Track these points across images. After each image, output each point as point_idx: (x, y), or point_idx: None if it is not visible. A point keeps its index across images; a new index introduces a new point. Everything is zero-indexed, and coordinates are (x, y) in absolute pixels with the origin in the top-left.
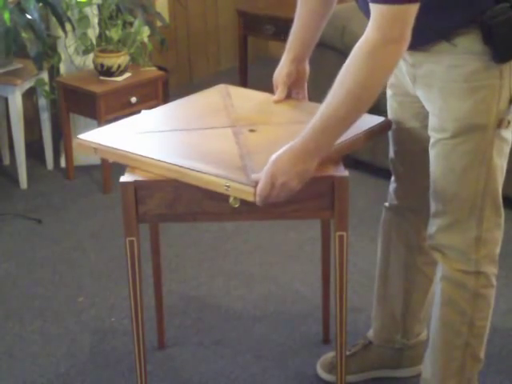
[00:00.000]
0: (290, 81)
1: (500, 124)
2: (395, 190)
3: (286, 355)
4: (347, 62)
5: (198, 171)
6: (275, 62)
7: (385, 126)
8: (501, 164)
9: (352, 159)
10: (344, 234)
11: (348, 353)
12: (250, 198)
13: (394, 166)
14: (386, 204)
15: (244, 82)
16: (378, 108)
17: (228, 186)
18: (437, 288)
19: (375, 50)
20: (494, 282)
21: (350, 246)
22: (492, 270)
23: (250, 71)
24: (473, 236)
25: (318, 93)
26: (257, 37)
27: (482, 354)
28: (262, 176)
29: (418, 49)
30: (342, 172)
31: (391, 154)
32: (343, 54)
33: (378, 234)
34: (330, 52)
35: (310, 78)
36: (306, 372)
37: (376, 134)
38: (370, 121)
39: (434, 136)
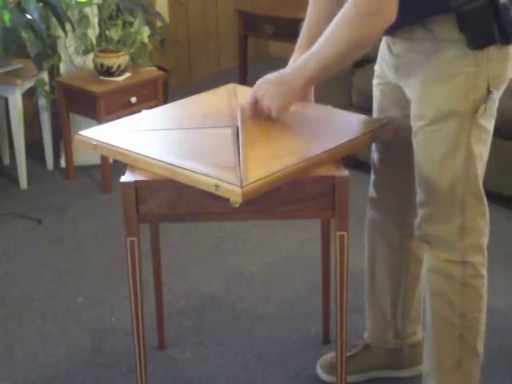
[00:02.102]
0: None
1: (476, 111)
2: (373, 182)
3: (286, 355)
4: (333, 23)
5: (188, 170)
6: (275, 61)
7: (387, 128)
8: (479, 152)
9: (352, 159)
10: (344, 233)
11: (348, 354)
12: (239, 199)
13: (372, 156)
14: (368, 201)
15: (244, 82)
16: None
17: (217, 186)
18: (425, 280)
19: (353, 21)
20: (484, 272)
21: (351, 245)
22: (479, 259)
23: (250, 71)
24: (457, 225)
25: (318, 92)
26: (257, 37)
27: (480, 348)
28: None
29: (401, 37)
30: (342, 172)
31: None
32: None
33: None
34: None
35: None
36: (306, 372)
37: (378, 136)
38: (372, 122)
39: (414, 125)
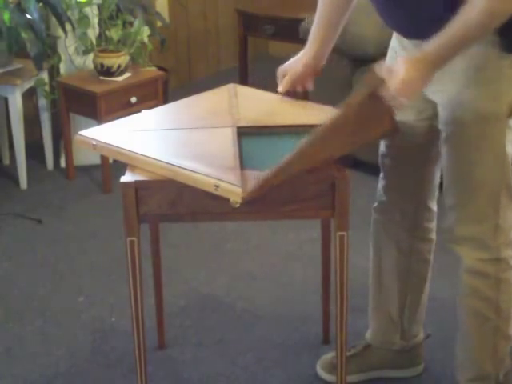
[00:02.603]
0: (298, 75)
1: (510, 113)
2: (384, 186)
3: (286, 355)
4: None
5: (188, 170)
6: (275, 61)
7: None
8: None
9: (352, 159)
10: (344, 233)
11: (348, 353)
12: (239, 199)
13: (383, 161)
14: (375, 204)
15: (244, 82)
16: None
17: (217, 186)
18: (460, 281)
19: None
20: None
21: (351, 245)
22: (509, 253)
23: (250, 71)
24: (491, 225)
25: (318, 92)
26: (257, 37)
27: (510, 331)
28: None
29: (418, 38)
30: (342, 172)
31: (382, 148)
32: (343, 53)
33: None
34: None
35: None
36: (306, 372)
37: (384, 135)
38: None
39: (445, 130)
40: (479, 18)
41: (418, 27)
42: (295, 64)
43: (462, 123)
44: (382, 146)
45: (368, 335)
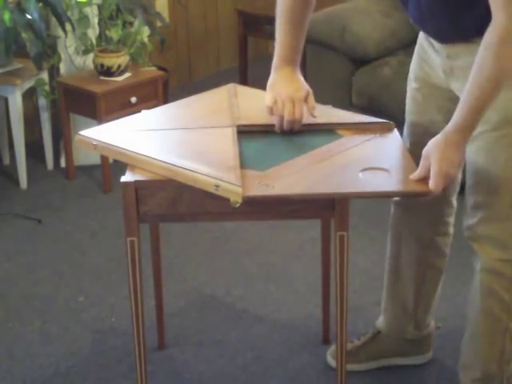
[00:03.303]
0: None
1: None
2: None
3: (286, 355)
4: (482, 51)
5: (188, 170)
6: None
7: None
8: None
9: None
10: (344, 233)
11: (357, 342)
12: (239, 199)
13: None
14: (396, 198)
15: (244, 82)
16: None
17: (217, 186)
18: (475, 279)
19: (509, 36)
20: None
21: (350, 245)
22: None
23: (250, 71)
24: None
25: (318, 92)
26: (257, 37)
27: None
28: (429, 166)
29: (457, 42)
30: None
31: (406, 145)
32: (343, 54)
33: (379, 231)
34: (330, 52)
35: (311, 78)
36: (306, 372)
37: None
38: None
39: None
40: (491, 80)
41: (460, 32)
42: (292, 89)
43: (491, 124)
44: (407, 144)
45: (380, 324)
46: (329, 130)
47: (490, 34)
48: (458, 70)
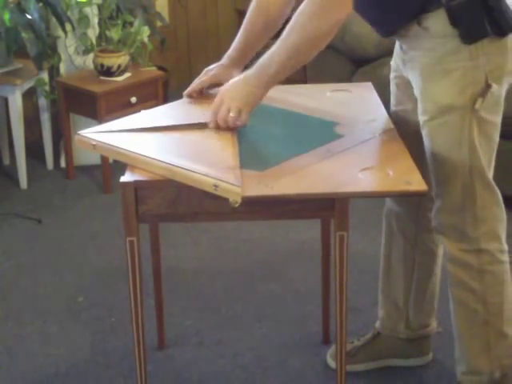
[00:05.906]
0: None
1: (474, 104)
2: None
3: (286, 355)
4: (296, 15)
5: (187, 170)
6: None
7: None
8: (483, 143)
9: None
10: (344, 233)
11: (357, 343)
12: (238, 199)
13: None
14: None
15: None
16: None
17: (216, 186)
18: (447, 270)
19: (309, 15)
20: (503, 258)
21: (350, 245)
22: (496, 246)
23: None
24: (469, 214)
25: None
26: None
27: (508, 329)
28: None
29: (400, 35)
30: None
31: None
32: (343, 53)
33: (379, 231)
34: (330, 52)
35: (311, 78)
36: (306, 372)
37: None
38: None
39: (420, 119)
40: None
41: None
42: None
43: (429, 114)
44: None
45: (377, 324)
46: (328, 128)
47: (307, 4)
48: (407, 63)
